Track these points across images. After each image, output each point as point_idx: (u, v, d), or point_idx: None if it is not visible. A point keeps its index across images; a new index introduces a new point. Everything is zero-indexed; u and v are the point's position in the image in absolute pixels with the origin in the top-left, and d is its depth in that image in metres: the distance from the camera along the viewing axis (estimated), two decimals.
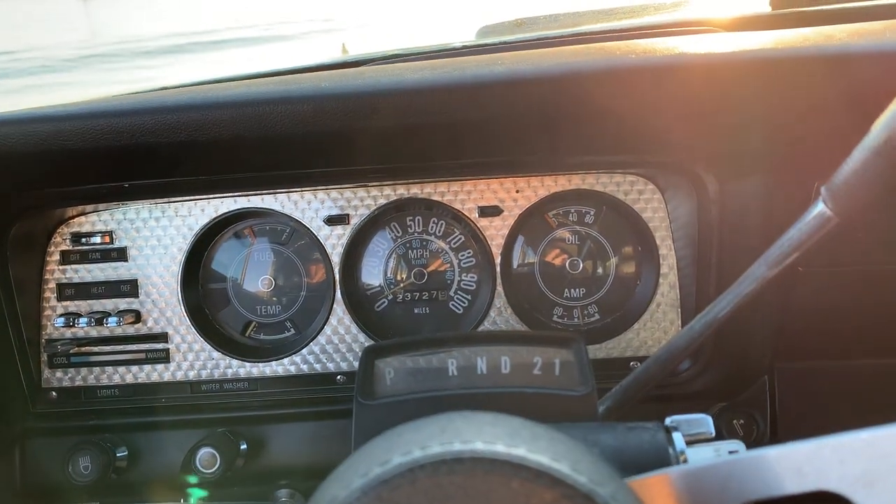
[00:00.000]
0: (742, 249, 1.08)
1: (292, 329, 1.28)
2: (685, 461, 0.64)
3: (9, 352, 1.18)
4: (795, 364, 1.17)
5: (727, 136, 1.01)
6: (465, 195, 1.22)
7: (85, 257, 1.23)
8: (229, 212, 1.22)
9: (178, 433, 1.19)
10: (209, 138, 0.95)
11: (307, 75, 1.10)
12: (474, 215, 1.22)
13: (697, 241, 1.16)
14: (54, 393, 1.23)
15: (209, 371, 1.23)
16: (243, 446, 1.17)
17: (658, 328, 1.22)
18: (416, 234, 1.27)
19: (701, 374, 1.19)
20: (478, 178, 1.21)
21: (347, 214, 1.22)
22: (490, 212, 1.22)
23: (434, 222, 1.27)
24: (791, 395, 1.17)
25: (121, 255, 1.23)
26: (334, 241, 1.22)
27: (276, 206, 1.22)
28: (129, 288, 1.23)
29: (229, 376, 1.23)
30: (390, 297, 1.28)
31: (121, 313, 1.22)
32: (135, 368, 1.23)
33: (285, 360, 1.23)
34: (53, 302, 1.23)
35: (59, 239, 1.22)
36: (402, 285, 1.27)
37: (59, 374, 1.23)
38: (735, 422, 1.16)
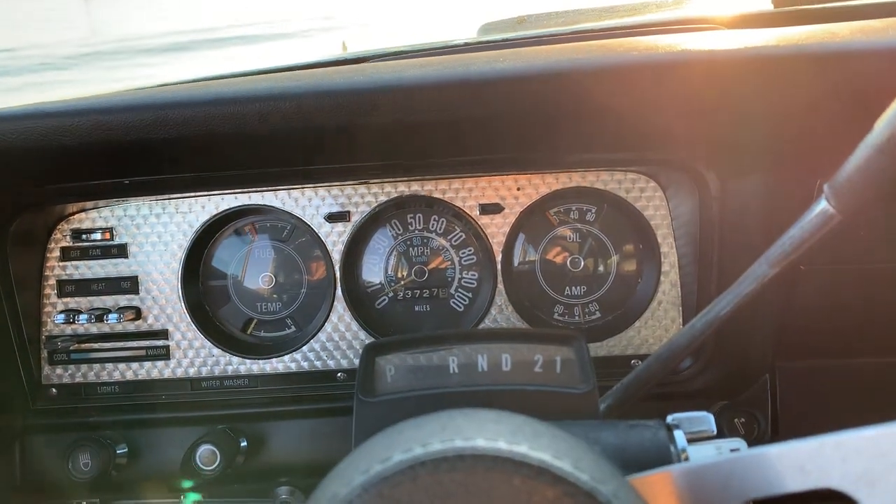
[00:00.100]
0: (744, 247, 1.08)
1: (293, 326, 1.28)
2: (686, 459, 0.64)
3: (9, 348, 1.18)
4: (797, 363, 1.17)
5: (729, 133, 1.01)
6: (466, 192, 1.22)
7: (85, 254, 1.22)
8: (230, 209, 1.21)
9: (178, 430, 1.19)
10: (208, 135, 0.95)
11: (307, 72, 1.10)
12: (475, 213, 1.22)
13: (699, 239, 1.15)
14: (54, 390, 1.23)
15: (209, 368, 1.23)
16: (243, 443, 1.17)
17: (659, 326, 1.22)
18: (416, 232, 1.27)
19: (702, 372, 1.19)
20: (479, 176, 1.21)
21: (348, 212, 1.22)
22: (491, 209, 1.21)
23: (435, 220, 1.27)
24: (792, 394, 1.17)
25: (121, 251, 1.22)
26: (335, 239, 1.22)
27: (277, 203, 1.22)
28: (130, 285, 1.23)
29: (229, 373, 1.23)
30: (391, 294, 1.28)
31: (121, 310, 1.22)
32: (135, 365, 1.23)
33: (286, 358, 1.23)
34: (54, 298, 1.23)
35: (59, 235, 1.22)
36: (402, 283, 1.27)
37: (59, 370, 1.23)
38: (736, 420, 1.16)
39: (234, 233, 1.27)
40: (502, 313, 1.23)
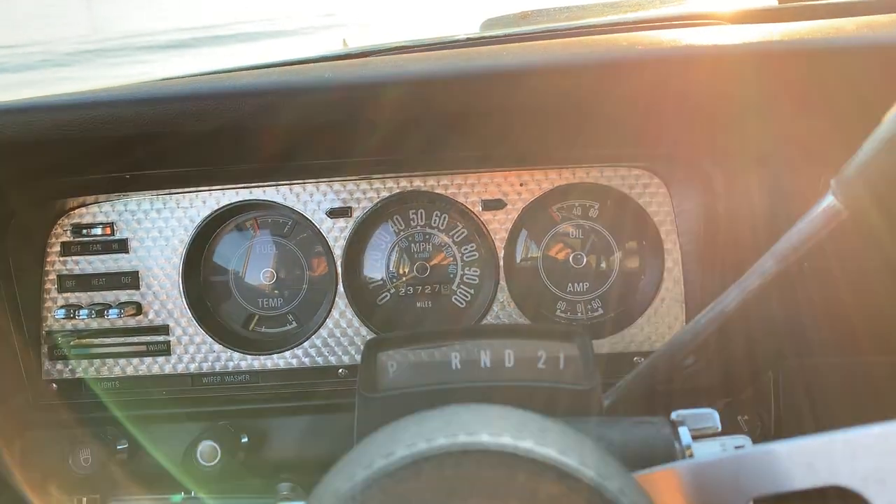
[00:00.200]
0: (748, 244, 1.07)
1: (294, 322, 1.28)
2: (691, 456, 0.63)
3: (9, 343, 1.17)
4: (801, 360, 1.16)
5: (734, 129, 1.00)
6: (468, 188, 1.21)
7: (86, 249, 1.22)
8: (231, 204, 1.21)
9: (179, 426, 1.18)
10: (211, 128, 0.95)
11: (310, 66, 1.09)
12: (478, 209, 1.21)
13: (703, 235, 1.15)
14: (55, 385, 1.22)
15: (210, 364, 1.23)
16: (244, 439, 1.16)
17: (662, 323, 1.21)
18: (418, 228, 1.26)
19: (705, 369, 1.18)
20: (481, 172, 1.20)
21: (350, 207, 1.21)
22: (494, 205, 1.21)
23: (437, 216, 1.26)
24: (796, 392, 1.16)
25: (122, 246, 1.22)
26: (336, 234, 1.22)
27: (278, 199, 1.21)
28: (130, 280, 1.22)
29: (230, 369, 1.23)
30: (392, 290, 1.27)
31: (122, 305, 1.21)
32: (135, 361, 1.23)
33: (287, 353, 1.23)
34: (54, 294, 1.22)
35: (59, 230, 1.22)
36: (404, 279, 1.27)
37: (59, 365, 1.22)
38: (739, 418, 1.15)
39: (235, 228, 1.27)
40: (504, 310, 1.23)
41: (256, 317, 1.28)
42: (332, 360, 1.23)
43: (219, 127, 0.95)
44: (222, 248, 1.27)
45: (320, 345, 1.23)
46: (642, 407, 0.78)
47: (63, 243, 1.22)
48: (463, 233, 1.26)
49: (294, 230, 1.26)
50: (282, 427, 1.20)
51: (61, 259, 1.22)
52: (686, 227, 1.18)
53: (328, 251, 1.22)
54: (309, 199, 1.21)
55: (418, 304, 1.27)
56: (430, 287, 1.27)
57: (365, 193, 1.21)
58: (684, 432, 0.67)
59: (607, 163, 1.19)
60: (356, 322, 1.23)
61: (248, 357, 1.22)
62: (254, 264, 1.26)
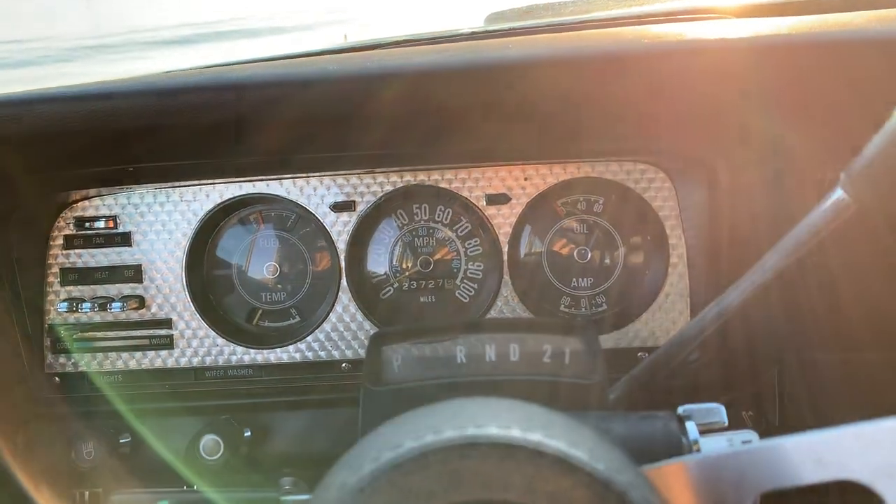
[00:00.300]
0: (754, 239, 1.06)
1: (297, 316, 1.27)
2: (698, 451, 0.63)
3: (12, 336, 1.17)
4: (805, 356, 1.15)
5: (740, 123, 0.99)
6: (472, 182, 1.20)
7: (89, 242, 1.22)
8: (234, 197, 1.20)
9: (181, 419, 1.18)
10: (214, 121, 0.94)
11: (315, 58, 1.09)
12: (482, 203, 1.21)
13: (708, 230, 1.14)
14: (57, 378, 1.22)
15: (213, 357, 1.22)
16: (247, 433, 1.16)
17: (667, 319, 1.21)
18: (422, 222, 1.26)
19: (709, 364, 1.17)
20: (485, 166, 1.20)
21: (353, 201, 1.21)
22: (498, 200, 1.20)
23: (441, 210, 1.25)
24: (801, 387, 1.15)
25: (125, 239, 1.22)
26: (340, 228, 1.21)
27: (282, 192, 1.21)
28: (133, 273, 1.22)
29: (233, 363, 1.22)
30: (396, 285, 1.27)
31: (124, 299, 1.21)
32: (138, 354, 1.22)
33: (290, 348, 1.22)
34: (57, 287, 1.22)
35: (62, 223, 1.21)
36: (407, 273, 1.26)
37: (62, 359, 1.22)
38: (744, 413, 1.15)
39: (238, 222, 1.26)
40: (508, 305, 1.22)
41: (260, 311, 1.27)
42: (336, 354, 1.23)
43: (222, 119, 0.94)
44: (225, 241, 1.26)
45: (323, 339, 1.22)
46: (644, 402, 0.78)
47: (66, 236, 1.21)
48: (467, 227, 1.25)
49: (297, 224, 1.26)
50: (285, 421, 1.19)
51: (64, 252, 1.22)
52: (691, 222, 1.18)
53: (331, 245, 1.21)
54: (312, 192, 1.21)
55: (422, 299, 1.27)
56: (434, 282, 1.26)
57: (369, 187, 1.21)
58: (691, 427, 0.66)
59: (612, 157, 1.18)
60: (359, 316, 1.22)
61: (251, 351, 1.22)
62: (257, 258, 1.26)
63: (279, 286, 1.27)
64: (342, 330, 1.22)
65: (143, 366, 1.23)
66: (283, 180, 1.20)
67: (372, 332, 1.22)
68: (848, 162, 0.67)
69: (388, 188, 1.21)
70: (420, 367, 0.80)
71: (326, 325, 1.22)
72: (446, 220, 1.26)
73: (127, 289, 1.22)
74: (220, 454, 1.09)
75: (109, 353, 1.22)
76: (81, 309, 1.19)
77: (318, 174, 1.19)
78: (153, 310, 1.23)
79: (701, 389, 1.16)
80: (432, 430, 0.46)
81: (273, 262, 1.26)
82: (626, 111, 0.98)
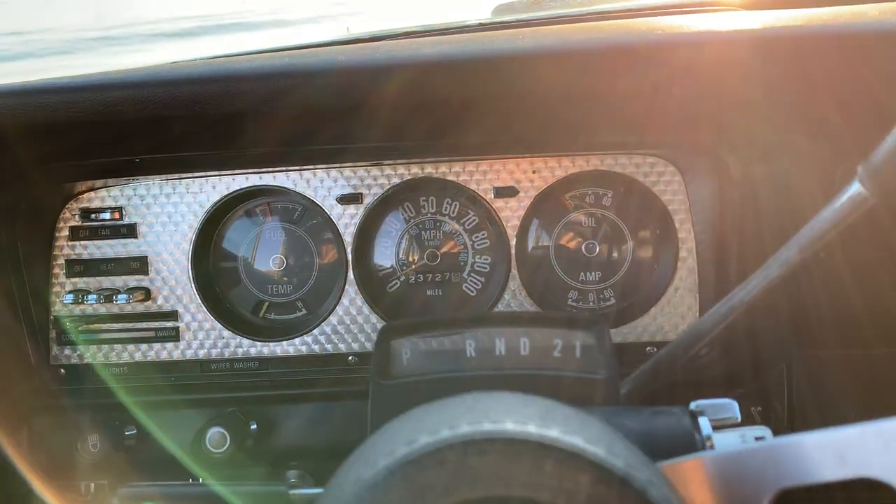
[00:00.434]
0: (765, 233, 1.05)
1: (303, 309, 1.27)
2: (712, 447, 0.62)
3: (17, 328, 1.16)
4: (814, 351, 1.15)
5: (750, 116, 0.98)
6: (480, 175, 1.19)
7: (94, 233, 1.21)
8: (241, 189, 1.20)
9: (187, 412, 1.17)
10: (220, 111, 0.93)
11: (321, 49, 1.08)
12: (489, 196, 1.20)
13: (718, 224, 1.13)
14: (63, 370, 1.21)
15: (219, 350, 1.22)
16: (253, 426, 1.16)
17: (675, 313, 1.20)
18: (429, 215, 1.25)
19: (718, 359, 1.17)
20: (493, 158, 1.19)
21: (360, 193, 1.20)
22: (506, 192, 1.19)
23: (448, 203, 1.25)
24: (809, 383, 1.15)
25: (131, 231, 1.21)
26: (347, 221, 1.20)
27: (289, 184, 1.20)
28: (139, 265, 1.21)
29: (239, 356, 1.22)
30: (403, 278, 1.26)
31: (130, 291, 1.20)
32: (144, 346, 1.22)
33: (296, 340, 1.22)
34: (62, 278, 1.21)
35: (68, 215, 1.20)
36: (414, 267, 1.25)
37: (67, 351, 1.21)
38: (753, 408, 1.14)
39: (244, 214, 1.25)
40: (515, 298, 1.22)
41: (266, 303, 1.27)
42: (342, 347, 1.22)
43: (229, 110, 0.93)
44: (232, 233, 1.25)
45: (330, 332, 1.22)
46: (654, 397, 0.77)
47: (71, 228, 1.21)
48: (474, 220, 1.25)
49: (304, 216, 1.25)
50: (291, 414, 1.19)
51: (70, 244, 1.21)
52: (701, 216, 1.17)
53: (338, 238, 1.21)
54: (319, 185, 1.20)
55: (428, 292, 1.26)
56: (441, 275, 1.25)
57: (376, 180, 1.20)
58: (704, 423, 0.66)
59: (621, 150, 1.17)
60: (366, 309, 1.21)
61: (258, 344, 1.22)
62: (263, 250, 1.25)
63: (285, 279, 1.26)
64: (349, 323, 1.22)
65: (148, 358, 1.22)
66: (289, 172, 1.19)
67: (378, 325, 1.21)
68: (862, 156, 0.66)
69: (396, 180, 1.20)
70: (429, 361, 0.80)
71: (333, 318, 1.22)
72: (453, 212, 1.25)
73: (133, 281, 1.22)
74: (225, 447, 1.09)
75: (115, 346, 1.22)
76: (87, 301, 1.19)
77: (324, 166, 1.19)
78: (159, 302, 1.22)
79: (708, 384, 1.16)
80: (448, 424, 0.45)
81: (279, 255, 1.25)
82: (636, 104, 0.97)
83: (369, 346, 1.22)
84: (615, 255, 1.24)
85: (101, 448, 1.15)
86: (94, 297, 1.19)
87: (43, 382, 1.20)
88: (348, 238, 1.20)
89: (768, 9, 1.17)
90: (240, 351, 1.22)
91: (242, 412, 1.16)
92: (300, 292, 1.26)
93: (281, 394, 1.20)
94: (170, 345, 1.22)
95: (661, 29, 0.95)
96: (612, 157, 1.18)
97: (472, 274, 1.25)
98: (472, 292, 1.25)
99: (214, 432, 1.09)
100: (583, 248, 1.23)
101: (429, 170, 1.19)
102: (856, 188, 0.66)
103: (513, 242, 1.20)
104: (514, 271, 1.21)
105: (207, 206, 1.20)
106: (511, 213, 1.20)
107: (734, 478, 0.51)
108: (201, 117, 0.94)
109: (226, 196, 1.20)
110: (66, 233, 1.21)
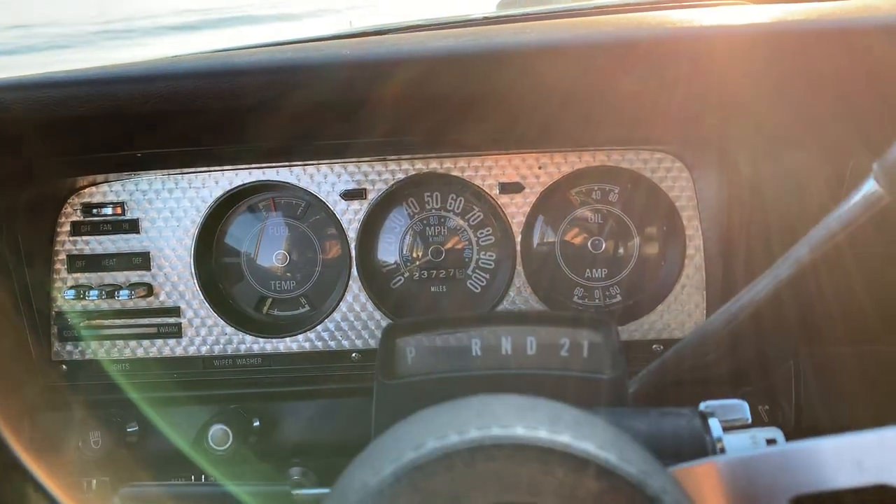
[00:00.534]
0: (773, 230, 1.04)
1: (307, 305, 1.26)
2: (722, 449, 0.61)
3: (19, 324, 1.16)
4: (822, 348, 1.14)
5: (759, 112, 0.97)
6: (485, 171, 1.18)
7: (96, 229, 1.20)
8: (244, 184, 1.19)
9: (189, 409, 1.17)
10: (224, 106, 0.92)
11: (325, 43, 1.06)
12: (495, 192, 1.19)
13: (726, 221, 1.12)
14: (64, 366, 1.21)
15: (222, 346, 1.21)
16: (256, 423, 1.15)
17: (682, 311, 1.19)
18: (433, 211, 1.24)
19: (725, 357, 1.16)
20: (499, 154, 1.18)
21: (364, 189, 1.19)
22: (511, 188, 1.18)
23: (453, 198, 1.23)
24: (817, 380, 1.14)
25: (133, 226, 1.20)
26: (350, 217, 1.19)
27: (292, 180, 1.19)
28: (141, 260, 1.20)
29: (242, 352, 1.21)
30: (406, 274, 1.25)
31: (132, 286, 1.19)
32: (146, 343, 1.21)
33: (299, 337, 1.21)
34: (64, 274, 1.20)
35: (69, 209, 1.20)
36: (418, 263, 1.24)
37: (69, 347, 1.21)
38: (760, 407, 1.13)
39: (247, 209, 1.24)
40: (520, 295, 1.20)
41: (269, 299, 1.26)
42: (346, 344, 1.21)
43: (231, 105, 0.92)
44: (234, 229, 1.24)
45: (333, 328, 1.21)
46: (659, 397, 0.76)
47: (73, 223, 1.20)
48: (479, 216, 1.23)
49: (307, 212, 1.24)
50: (294, 411, 1.18)
51: (71, 239, 1.20)
52: (709, 213, 1.15)
53: (342, 234, 1.20)
54: (323, 180, 1.19)
55: (432, 289, 1.25)
56: (445, 271, 1.24)
57: (380, 175, 1.18)
58: (715, 424, 0.64)
59: (628, 146, 1.16)
60: (370, 306, 1.20)
61: (261, 340, 1.21)
62: (266, 246, 1.24)
63: (288, 274, 1.25)
64: (352, 319, 1.21)
65: (150, 354, 1.21)
66: (292, 167, 1.18)
67: (382, 322, 1.20)
68: (874, 153, 0.64)
69: (400, 176, 1.18)
70: (434, 360, 0.79)
71: (336, 315, 1.21)
72: (458, 208, 1.23)
73: (135, 276, 1.21)
74: (228, 444, 1.08)
75: (117, 342, 1.21)
76: (89, 296, 1.18)
77: (328, 161, 1.17)
78: (161, 298, 1.21)
79: (714, 382, 1.15)
80: (456, 429, 0.44)
81: (282, 251, 1.24)
82: (643, 98, 0.95)
83: (373, 343, 1.20)
84: (621, 251, 1.23)
85: (103, 445, 1.15)
86: (96, 292, 1.18)
87: (45, 378, 1.19)
88: (352, 234, 1.19)
89: (778, 3, 1.16)
90: (242, 347, 1.21)
91: (245, 409, 1.15)
92: (303, 288, 1.25)
93: (284, 391, 1.19)
94: (172, 341, 1.21)
95: (669, 23, 0.94)
96: (619, 152, 1.17)
97: (477, 270, 1.24)
98: (477, 289, 1.24)
99: (217, 429, 1.09)
100: (589, 244, 1.22)
101: (433, 165, 1.18)
102: (871, 186, 0.64)
103: (518, 239, 1.19)
104: (520, 268, 1.20)
105: (210, 201, 1.19)
106: (516, 209, 1.19)
107: (748, 483, 0.50)
108: (203, 112, 0.93)
109: (228, 191, 1.19)
110: (67, 228, 1.20)
